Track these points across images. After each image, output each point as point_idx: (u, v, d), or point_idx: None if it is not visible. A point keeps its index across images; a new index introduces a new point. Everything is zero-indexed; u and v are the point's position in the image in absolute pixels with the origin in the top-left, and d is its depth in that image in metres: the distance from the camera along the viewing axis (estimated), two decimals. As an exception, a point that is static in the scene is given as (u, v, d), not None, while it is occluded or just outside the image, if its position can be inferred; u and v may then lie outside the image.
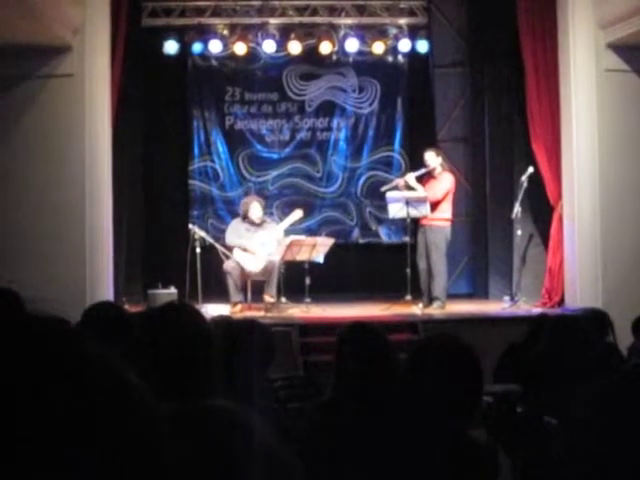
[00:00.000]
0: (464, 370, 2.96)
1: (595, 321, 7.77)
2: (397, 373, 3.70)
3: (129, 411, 0.83)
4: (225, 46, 14.32)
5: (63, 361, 0.81)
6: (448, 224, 11.56)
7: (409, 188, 11.56)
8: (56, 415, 0.78)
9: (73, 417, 0.78)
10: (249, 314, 10.53)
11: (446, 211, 11.49)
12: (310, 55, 14.55)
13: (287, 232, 11.59)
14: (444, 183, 11.53)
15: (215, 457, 1.08)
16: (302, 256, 11.13)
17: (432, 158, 11.65)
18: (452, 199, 11.62)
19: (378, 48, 14.49)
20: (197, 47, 14.39)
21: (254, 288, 11.56)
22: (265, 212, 11.95)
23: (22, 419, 0.76)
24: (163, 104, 14.44)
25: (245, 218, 11.60)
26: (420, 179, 11.66)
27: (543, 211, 12.08)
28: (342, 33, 14.45)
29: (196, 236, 11.41)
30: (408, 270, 11.45)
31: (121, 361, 0.86)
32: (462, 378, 2.94)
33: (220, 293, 11.49)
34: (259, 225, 11.52)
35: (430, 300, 11.49)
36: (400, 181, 11.76)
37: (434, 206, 11.39)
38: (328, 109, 14.88)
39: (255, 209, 11.56)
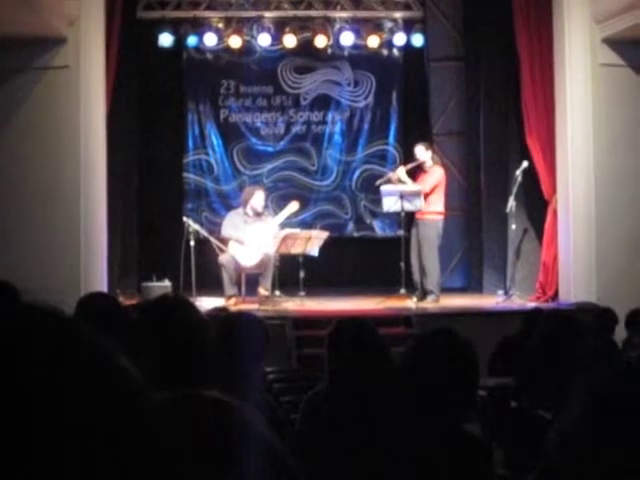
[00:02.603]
0: (461, 364, 2.96)
1: (601, 318, 7.80)
2: (389, 366, 3.70)
3: (123, 398, 0.83)
4: (220, 39, 14.30)
5: (57, 349, 0.82)
6: (440, 218, 11.57)
7: (400, 182, 11.62)
8: (50, 402, 0.78)
9: (67, 404, 0.78)
10: (243, 307, 10.52)
11: (437, 205, 11.50)
12: (305, 48, 14.55)
13: (282, 225, 11.58)
14: (433, 176, 11.57)
15: (208, 446, 1.09)
16: (297, 249, 11.12)
17: (422, 152, 11.71)
18: (444, 193, 11.65)
19: (373, 42, 14.50)
20: (192, 40, 14.37)
21: (248, 281, 11.56)
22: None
23: (17, 408, 0.76)
24: (158, 97, 14.43)
25: (246, 207, 11.57)
26: (413, 173, 11.70)
27: (537, 205, 12.10)
28: (337, 26, 14.44)
29: (190, 229, 11.40)
30: (402, 264, 11.47)
31: (115, 349, 0.86)
32: (458, 371, 2.94)
33: (214, 286, 11.48)
34: (257, 217, 11.50)
35: (424, 294, 11.51)
36: (393, 175, 11.82)
37: (424, 199, 11.43)
38: (323, 102, 14.88)
39: (258, 198, 11.54)
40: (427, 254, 11.44)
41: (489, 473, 3.06)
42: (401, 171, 11.72)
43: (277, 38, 14.35)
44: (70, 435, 0.77)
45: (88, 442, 0.78)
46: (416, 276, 11.62)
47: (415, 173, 11.77)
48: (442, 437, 2.84)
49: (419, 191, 11.31)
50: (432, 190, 11.44)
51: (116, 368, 0.85)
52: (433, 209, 11.46)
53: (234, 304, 10.96)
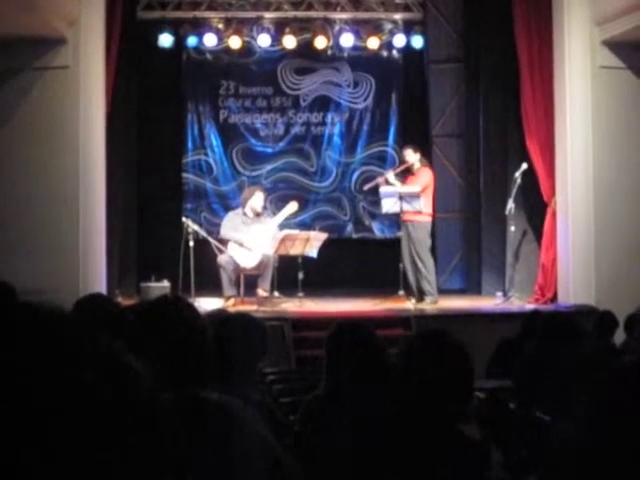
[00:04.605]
0: (455, 365, 2.96)
1: (600, 321, 7.80)
2: (388, 369, 3.70)
3: (128, 392, 0.83)
4: (220, 40, 14.32)
5: (61, 345, 0.82)
6: (429, 219, 11.59)
7: (389, 185, 11.66)
8: (56, 397, 0.78)
9: (73, 399, 0.78)
10: (242, 308, 10.51)
11: (426, 206, 11.51)
12: (305, 49, 14.56)
13: (281, 226, 11.57)
14: (422, 178, 11.59)
15: (207, 446, 1.08)
16: (295, 250, 11.12)
17: (410, 155, 11.74)
18: (432, 194, 11.67)
19: (373, 43, 14.51)
20: (192, 40, 14.38)
21: (247, 282, 11.55)
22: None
23: (21, 402, 0.76)
24: (157, 97, 14.43)
25: (245, 207, 11.56)
26: (403, 176, 11.75)
27: (537, 207, 12.10)
28: (337, 28, 14.46)
29: (189, 229, 11.39)
30: (401, 265, 11.48)
31: (119, 345, 0.86)
32: (453, 373, 2.94)
33: (213, 287, 11.47)
34: (256, 217, 11.49)
35: (421, 295, 11.50)
36: (381, 179, 11.85)
37: None
38: (323, 104, 14.89)
39: (258, 199, 11.53)
40: (421, 256, 11.44)
41: (487, 475, 3.06)
42: (390, 175, 11.75)
43: (277, 39, 14.36)
44: (74, 433, 0.77)
45: (93, 440, 0.78)
46: (410, 278, 11.62)
47: (405, 176, 11.81)
48: (440, 439, 2.84)
49: (417, 192, 11.32)
50: (422, 191, 11.45)
51: (119, 361, 0.85)
52: (422, 211, 11.47)
53: (233, 305, 10.95)
